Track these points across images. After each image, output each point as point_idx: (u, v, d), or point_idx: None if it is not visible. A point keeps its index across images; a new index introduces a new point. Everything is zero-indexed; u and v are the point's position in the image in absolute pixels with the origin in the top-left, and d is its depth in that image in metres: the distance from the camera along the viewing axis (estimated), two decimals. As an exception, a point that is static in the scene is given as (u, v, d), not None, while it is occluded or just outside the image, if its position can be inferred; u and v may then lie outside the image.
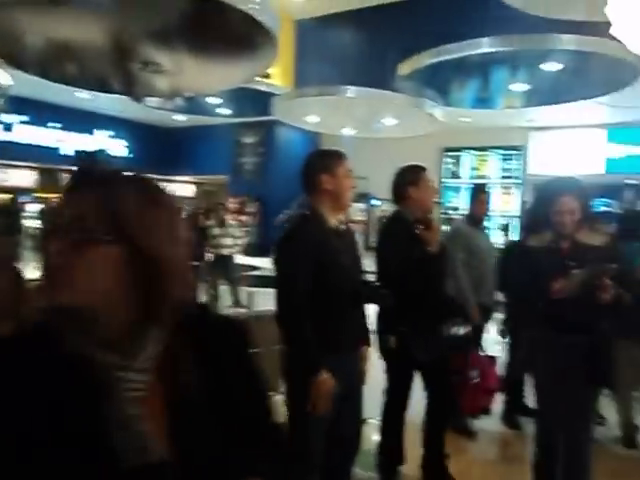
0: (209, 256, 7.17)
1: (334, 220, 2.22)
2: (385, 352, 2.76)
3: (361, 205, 15.86)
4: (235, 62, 4.44)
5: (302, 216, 2.24)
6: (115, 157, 15.83)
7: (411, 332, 2.64)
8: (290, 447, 2.25)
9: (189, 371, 0.86)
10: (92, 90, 7.41)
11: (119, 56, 4.82)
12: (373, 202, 16.63)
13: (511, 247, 4.07)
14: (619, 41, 6.16)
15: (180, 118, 14.86)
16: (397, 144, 13.13)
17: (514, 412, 3.74)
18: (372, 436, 3.49)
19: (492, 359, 3.38)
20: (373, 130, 10.93)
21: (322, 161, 2.25)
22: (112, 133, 16.17)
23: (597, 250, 2.33)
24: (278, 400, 3.75)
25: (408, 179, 2.79)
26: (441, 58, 6.72)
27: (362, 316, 2.31)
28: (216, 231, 7.01)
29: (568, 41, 5.95)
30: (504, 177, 13.84)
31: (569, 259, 2.32)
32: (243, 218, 15.44)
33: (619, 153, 12.51)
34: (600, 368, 2.29)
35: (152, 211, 0.86)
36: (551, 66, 6.87)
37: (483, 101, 9.00)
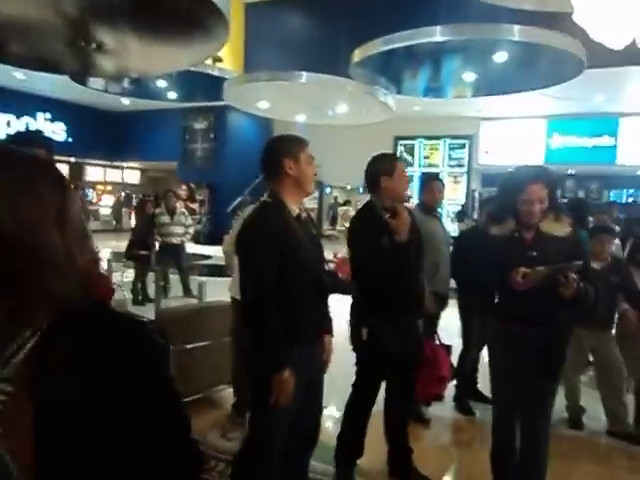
0: (158, 245, 6.94)
1: (295, 207, 2.14)
2: (356, 344, 2.71)
3: (314, 192, 15.89)
4: (183, 42, 4.25)
5: (263, 203, 2.15)
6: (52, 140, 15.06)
7: (382, 323, 2.58)
8: (252, 441, 2.21)
9: (66, 382, 0.73)
10: (30, 69, 6.96)
11: (61, 33, 4.52)
12: (326, 190, 16.74)
13: (466, 235, 4.10)
14: (568, 34, 6.35)
15: (127, 102, 14.31)
16: (350, 132, 13.17)
17: (466, 398, 3.80)
18: (329, 427, 3.46)
19: (446, 347, 3.41)
20: (326, 117, 10.88)
21: (285, 146, 2.15)
22: (49, 116, 15.38)
23: (561, 242, 2.27)
24: (226, 394, 3.71)
25: (381, 169, 2.67)
26: (393, 46, 6.71)
27: (325, 306, 2.25)
28: (165, 219, 6.77)
29: (518, 32, 6.05)
30: (452, 166, 14.20)
31: (532, 250, 2.28)
32: (193, 206, 15.13)
33: (558, 144, 13.12)
34: (553, 363, 2.31)
35: (19, 190, 0.72)
36: (501, 56, 6.99)
37: (434, 90, 9.09)
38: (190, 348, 3.57)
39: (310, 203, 15.39)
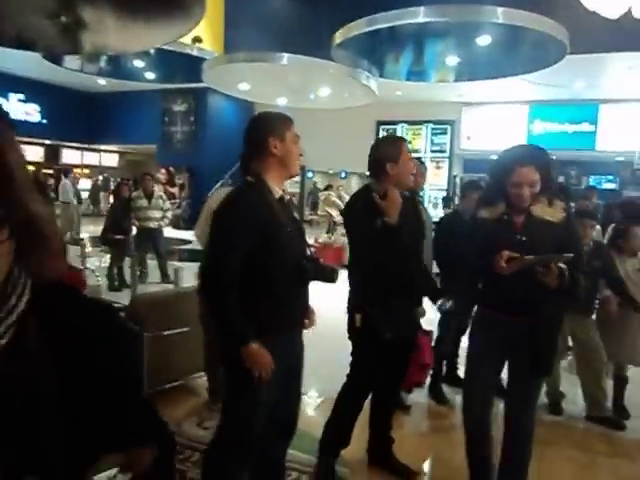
0: (135, 229, 6.78)
1: (278, 189, 2.04)
2: (352, 331, 2.60)
3: (295, 177, 15.75)
4: (159, 18, 4.08)
5: (246, 182, 2.05)
6: (26, 122, 14.63)
7: (375, 309, 2.47)
8: (226, 430, 2.14)
9: (33, 362, 0.76)
10: (4, 46, 6.67)
11: (33, 8, 4.31)
12: (308, 175, 16.61)
13: (446, 220, 4.04)
14: (552, 18, 6.30)
15: (104, 82, 13.93)
16: (333, 116, 13.03)
17: (440, 386, 3.78)
18: (309, 415, 3.42)
19: (427, 333, 3.37)
20: (308, 101, 10.73)
21: (270, 124, 2.03)
22: (23, 97, 14.90)
23: (553, 227, 2.17)
24: (204, 382, 3.63)
25: (387, 154, 2.51)
26: (375, 27, 6.59)
27: (306, 293, 2.17)
28: (143, 203, 6.60)
29: (501, 14, 5.97)
30: (434, 151, 14.17)
31: (521, 234, 2.17)
32: (173, 190, 14.88)
33: (540, 129, 13.15)
34: (544, 356, 2.25)
35: None
36: (484, 40, 6.92)
37: (417, 74, 9.00)
38: (166, 335, 3.48)
39: (292, 187, 15.27)
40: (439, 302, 2.94)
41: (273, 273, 1.95)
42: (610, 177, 13.68)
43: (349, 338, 2.63)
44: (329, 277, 2.09)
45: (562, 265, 2.07)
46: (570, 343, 3.73)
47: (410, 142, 14.51)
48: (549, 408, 3.64)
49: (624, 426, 3.47)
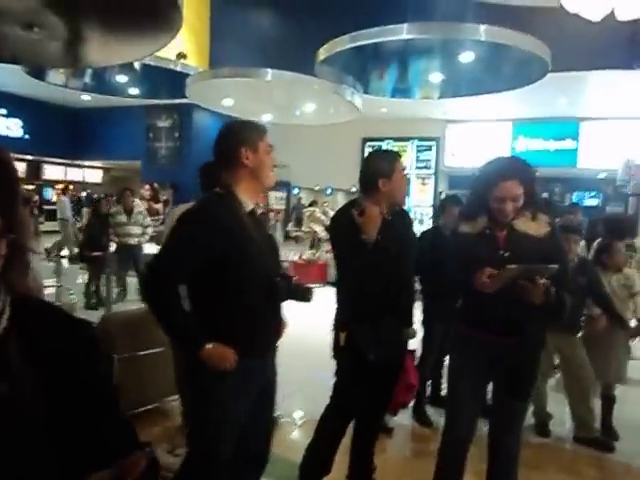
0: (115, 246, 6.62)
1: (250, 202, 1.94)
2: (336, 350, 2.47)
3: (281, 193, 15.70)
4: (135, 31, 4.00)
5: (215, 194, 1.94)
6: (7, 137, 14.43)
7: (360, 327, 2.36)
8: (193, 458, 2.00)
9: (17, 380, 0.76)
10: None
11: (8, 19, 4.20)
12: (294, 190, 16.55)
13: (425, 235, 3.93)
14: (534, 36, 6.34)
15: (88, 98, 13.79)
16: (318, 133, 13.03)
17: (424, 407, 3.66)
18: (286, 439, 3.28)
19: (411, 353, 3.26)
20: (293, 117, 10.70)
21: (242, 133, 1.92)
22: (5, 111, 14.70)
23: (536, 242, 2.08)
24: (176, 405, 3.48)
25: (379, 170, 2.39)
26: (358, 43, 6.58)
27: (279, 313, 2.05)
28: (122, 219, 6.46)
29: (484, 31, 5.99)
30: (420, 168, 14.21)
31: (503, 249, 2.09)
32: (157, 206, 14.69)
33: (523, 147, 13.25)
34: (523, 383, 2.16)
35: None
36: (467, 57, 6.94)
37: (402, 90, 9.01)
38: (140, 355, 3.34)
39: (277, 204, 15.20)
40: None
41: (243, 291, 1.83)
42: (593, 194, 13.79)
43: (333, 357, 2.52)
44: (302, 296, 1.98)
45: (546, 281, 1.98)
46: (557, 361, 3.65)
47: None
48: (536, 429, 3.54)
49: (613, 448, 3.37)
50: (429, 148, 14.15)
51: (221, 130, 2.00)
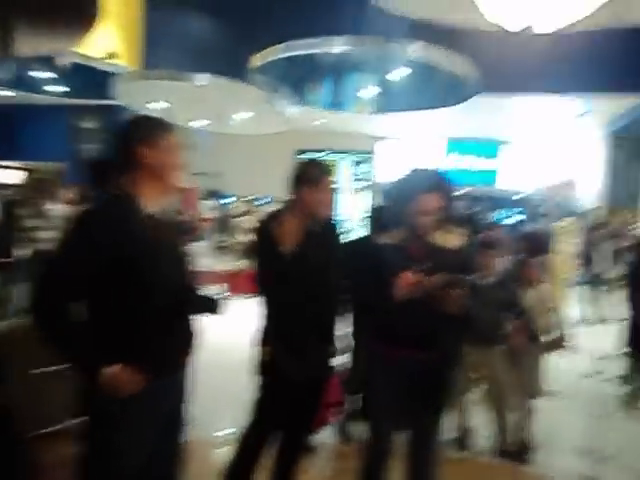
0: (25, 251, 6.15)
1: (152, 205, 1.80)
2: (259, 366, 2.37)
3: (212, 202, 15.36)
4: (52, 24, 3.74)
5: (113, 196, 1.78)
6: None
7: (281, 346, 2.27)
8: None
9: None
10: None
11: None
12: (225, 200, 16.23)
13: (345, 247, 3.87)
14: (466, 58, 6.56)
15: (11, 94, 12.95)
16: (254, 142, 12.88)
17: (347, 423, 3.60)
18: (207, 460, 3.12)
19: (335, 371, 3.19)
20: (227, 125, 10.53)
21: (141, 130, 1.79)
22: None
23: (452, 254, 2.12)
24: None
25: (305, 179, 2.31)
26: (290, 53, 6.55)
27: (188, 328, 1.90)
28: (32, 222, 6.02)
29: (416, 50, 6.11)
30: (355, 181, 14.42)
31: (420, 262, 2.08)
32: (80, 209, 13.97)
33: (457, 164, 13.75)
34: (441, 398, 2.15)
35: None
36: (401, 73, 7.08)
37: (335, 104, 9.08)
38: (41, 373, 3.07)
39: (210, 213, 14.85)
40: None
41: (143, 303, 1.69)
42: (514, 212, 14.50)
43: (256, 373, 2.41)
44: (208, 308, 1.86)
45: (464, 291, 2.00)
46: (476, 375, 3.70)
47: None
48: (457, 443, 3.56)
49: (529, 459, 3.45)
50: (364, 162, 14.43)
51: (118, 128, 1.85)
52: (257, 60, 7.12)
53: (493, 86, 7.97)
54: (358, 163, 14.51)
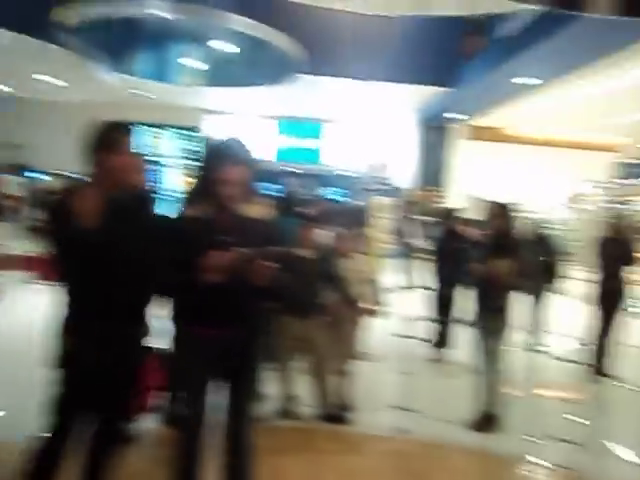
0: None
1: None
2: (59, 358, 2.13)
3: (17, 178, 13.50)
4: None
5: None
6: None
7: (80, 332, 2.09)
8: None
9: None
10: None
11: None
12: (32, 175, 14.39)
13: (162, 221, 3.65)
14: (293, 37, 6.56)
15: None
16: (68, 111, 11.49)
17: (172, 407, 3.44)
18: None
19: (152, 351, 3.00)
20: (31, 89, 9.31)
21: None
22: None
23: (257, 223, 2.12)
24: None
25: (102, 142, 2.11)
26: (93, 9, 5.96)
27: None
28: None
29: (236, 22, 5.99)
30: (181, 157, 13.86)
31: (226, 234, 2.02)
32: None
33: (288, 144, 14.08)
34: (246, 373, 2.16)
35: None
36: (225, 46, 6.91)
37: (156, 74, 8.56)
38: None
39: (14, 190, 13.08)
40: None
41: None
42: (338, 189, 15.34)
43: (54, 365, 2.16)
44: None
45: (273, 263, 2.01)
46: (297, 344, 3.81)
47: (152, 146, 13.86)
48: (283, 413, 3.64)
49: (350, 420, 3.67)
50: (189, 137, 13.95)
51: None
52: (63, 16, 6.35)
53: (317, 67, 8.20)
54: (185, 138, 14.00)
